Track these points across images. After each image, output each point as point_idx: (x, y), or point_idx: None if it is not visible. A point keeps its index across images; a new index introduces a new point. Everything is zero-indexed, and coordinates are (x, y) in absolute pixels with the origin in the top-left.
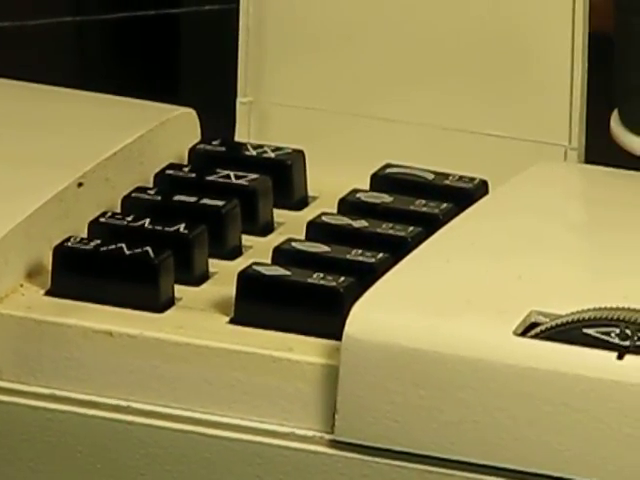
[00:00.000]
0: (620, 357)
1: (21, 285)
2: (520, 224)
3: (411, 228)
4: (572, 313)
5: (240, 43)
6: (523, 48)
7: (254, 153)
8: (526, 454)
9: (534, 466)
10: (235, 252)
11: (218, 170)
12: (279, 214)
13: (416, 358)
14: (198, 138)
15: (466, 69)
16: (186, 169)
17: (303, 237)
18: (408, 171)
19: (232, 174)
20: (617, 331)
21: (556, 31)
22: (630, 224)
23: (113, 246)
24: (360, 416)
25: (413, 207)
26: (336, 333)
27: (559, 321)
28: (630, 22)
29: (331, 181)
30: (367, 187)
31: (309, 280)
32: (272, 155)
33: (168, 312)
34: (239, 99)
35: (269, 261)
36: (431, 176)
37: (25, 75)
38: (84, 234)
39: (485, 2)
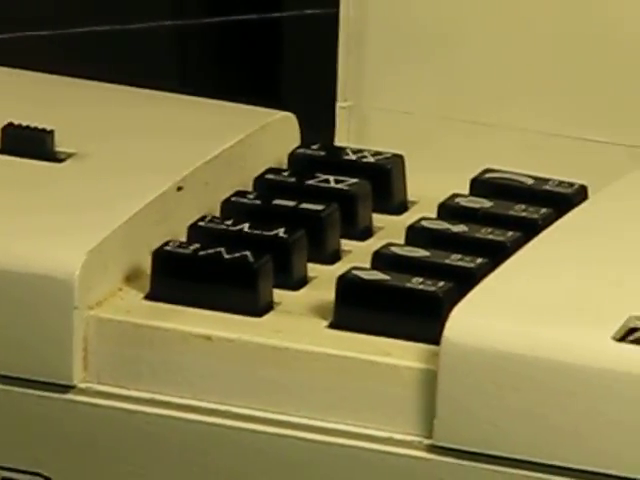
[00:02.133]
0: None
1: (120, 289)
2: (619, 230)
3: (510, 233)
4: None
5: (340, 47)
6: (624, 53)
7: (354, 157)
8: (628, 460)
9: (638, 472)
10: (334, 256)
11: (318, 174)
12: (378, 219)
13: (515, 363)
14: (298, 142)
15: (566, 74)
16: (286, 173)
17: (402, 242)
18: (507, 176)
19: (332, 178)
20: None
21: None
22: None
23: (212, 250)
24: (459, 421)
25: (512, 212)
26: (435, 338)
27: None
28: None
29: (431, 186)
30: (467, 192)
31: (408, 285)
32: (372, 159)
33: (267, 316)
34: (339, 103)
35: (368, 265)
36: (530, 181)
37: (125, 78)
38: (183, 238)
39: (588, 7)
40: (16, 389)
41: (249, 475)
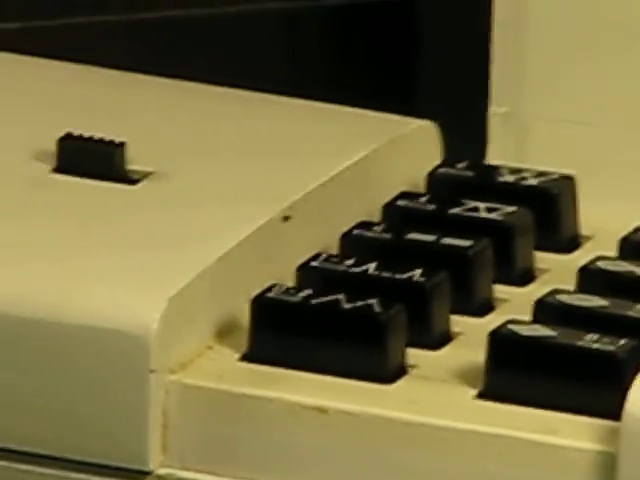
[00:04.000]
0: None
1: (210, 347)
2: None
3: None
4: None
5: (494, 39)
6: None
7: (511, 179)
8: None
9: None
10: (485, 306)
11: (464, 201)
12: (542, 258)
13: None
14: (439, 159)
15: None
16: (423, 199)
17: (573, 288)
18: None
19: (482, 206)
20: None
21: None
22: None
23: (328, 297)
24: None
25: None
26: (614, 411)
27: None
28: None
29: (609, 216)
30: None
31: (580, 343)
32: (534, 182)
33: (398, 383)
34: (492, 109)
35: (529, 318)
36: None
37: (217, 76)
38: (291, 282)
39: None
40: (81, 476)
41: None
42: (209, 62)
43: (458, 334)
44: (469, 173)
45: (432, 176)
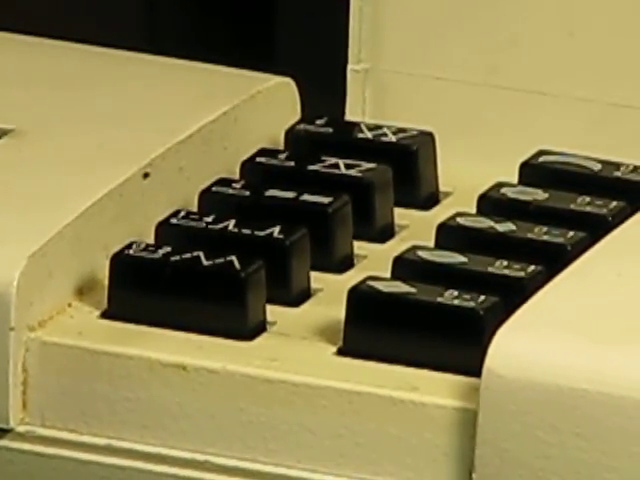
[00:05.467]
0: None
1: (70, 304)
2: None
3: (571, 233)
4: None
5: None
6: None
7: (370, 136)
8: None
9: None
10: (345, 263)
11: (323, 158)
12: (402, 214)
13: (576, 400)
14: (298, 116)
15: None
16: (282, 156)
17: (432, 244)
18: (568, 159)
19: (341, 163)
20: None
21: None
22: None
23: (188, 255)
24: (505, 474)
25: (574, 206)
26: (474, 368)
27: None
28: None
29: (468, 172)
30: (514, 180)
31: (440, 299)
32: (393, 138)
33: (258, 340)
34: (350, 66)
35: (388, 275)
36: (598, 166)
37: (75, 33)
38: (150, 239)
39: None
40: None
41: None
42: (65, 17)
43: (318, 291)
44: (328, 130)
45: (291, 133)
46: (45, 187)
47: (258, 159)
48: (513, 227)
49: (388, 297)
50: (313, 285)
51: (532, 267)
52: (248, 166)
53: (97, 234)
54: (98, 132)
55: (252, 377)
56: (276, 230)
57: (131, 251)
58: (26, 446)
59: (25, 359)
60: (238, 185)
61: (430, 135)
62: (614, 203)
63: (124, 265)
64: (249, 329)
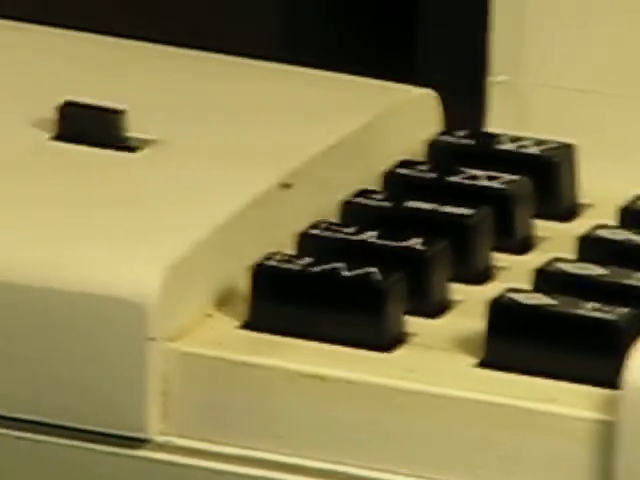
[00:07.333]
0: None
1: (210, 315)
2: None
3: None
4: None
5: (494, 7)
6: None
7: (511, 147)
8: None
9: None
10: (485, 275)
11: (464, 169)
12: (542, 226)
13: None
14: (439, 128)
15: None
16: (423, 167)
17: (573, 256)
18: None
19: (482, 174)
20: None
21: None
22: None
23: (328, 266)
24: None
25: None
26: (613, 380)
27: None
28: None
29: (610, 184)
30: None
31: (580, 311)
32: (534, 150)
33: (397, 351)
34: (491, 78)
35: (529, 287)
36: None
37: (213, 43)
38: (291, 250)
39: None
40: (78, 444)
41: None
42: (206, 29)
43: (457, 302)
44: (469, 141)
45: (432, 144)
46: (186, 194)
47: (399, 170)
48: None
49: (529, 309)
50: (453, 297)
51: None
52: (389, 177)
53: (237, 244)
54: (239, 143)
55: (390, 388)
56: (417, 242)
57: (272, 262)
58: (164, 456)
59: (165, 369)
60: (379, 196)
61: (571, 147)
62: None
63: (265, 275)
64: (388, 340)
